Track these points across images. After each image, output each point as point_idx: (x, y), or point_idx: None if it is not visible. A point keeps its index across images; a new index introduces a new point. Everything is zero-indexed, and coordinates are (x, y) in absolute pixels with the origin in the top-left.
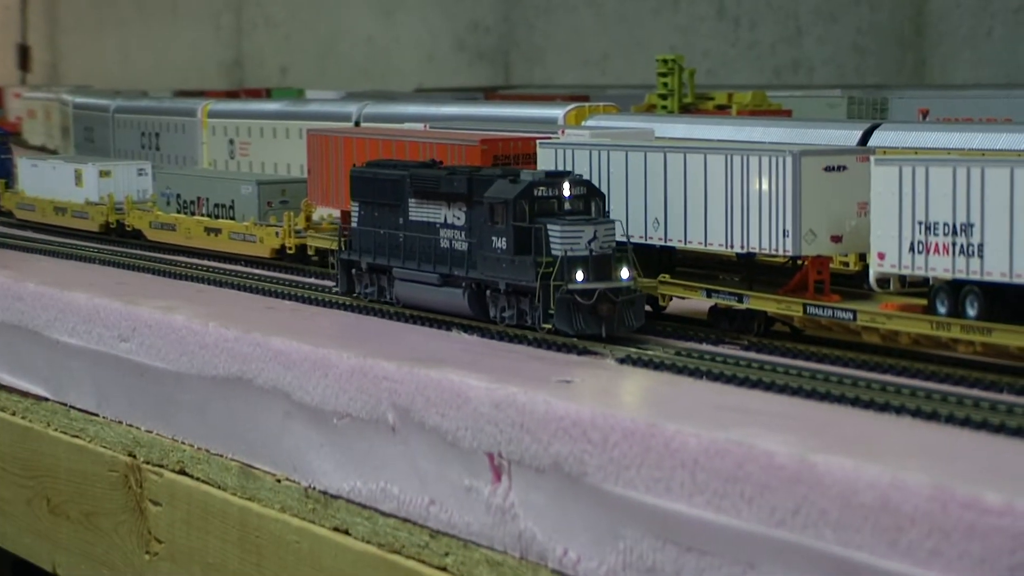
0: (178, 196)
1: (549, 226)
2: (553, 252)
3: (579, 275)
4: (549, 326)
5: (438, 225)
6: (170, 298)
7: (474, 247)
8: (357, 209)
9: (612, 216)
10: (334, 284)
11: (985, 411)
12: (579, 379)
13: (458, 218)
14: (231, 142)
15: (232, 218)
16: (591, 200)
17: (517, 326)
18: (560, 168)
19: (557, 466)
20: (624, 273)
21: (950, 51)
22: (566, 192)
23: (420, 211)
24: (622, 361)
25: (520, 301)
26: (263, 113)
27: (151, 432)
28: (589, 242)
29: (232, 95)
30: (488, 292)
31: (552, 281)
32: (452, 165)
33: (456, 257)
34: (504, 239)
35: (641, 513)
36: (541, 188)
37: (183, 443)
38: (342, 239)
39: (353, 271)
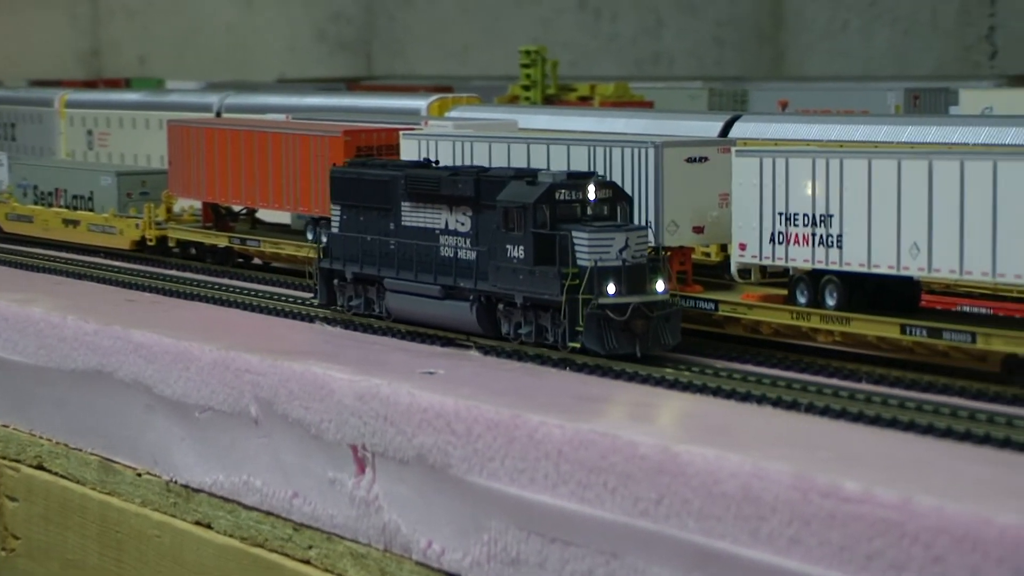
0: (35, 187)
1: (575, 233)
2: (580, 262)
3: (611, 288)
4: (576, 344)
5: (437, 231)
6: (27, 291)
7: (483, 256)
8: (339, 213)
9: None
10: (312, 295)
11: (844, 400)
12: (443, 370)
13: (462, 223)
14: (89, 133)
15: (91, 210)
16: (617, 204)
17: (536, 344)
18: (423, 159)
19: (421, 458)
20: (659, 285)
21: (808, 44)
22: (591, 195)
23: (415, 215)
24: (486, 353)
25: (540, 316)
26: (122, 103)
27: (7, 427)
28: (620, 251)
29: (90, 85)
30: (501, 306)
31: (580, 295)
32: (455, 165)
33: (462, 267)
34: (521, 247)
35: (505, 504)
36: (563, 191)
37: (41, 438)
38: (320, 246)
39: (336, 282)
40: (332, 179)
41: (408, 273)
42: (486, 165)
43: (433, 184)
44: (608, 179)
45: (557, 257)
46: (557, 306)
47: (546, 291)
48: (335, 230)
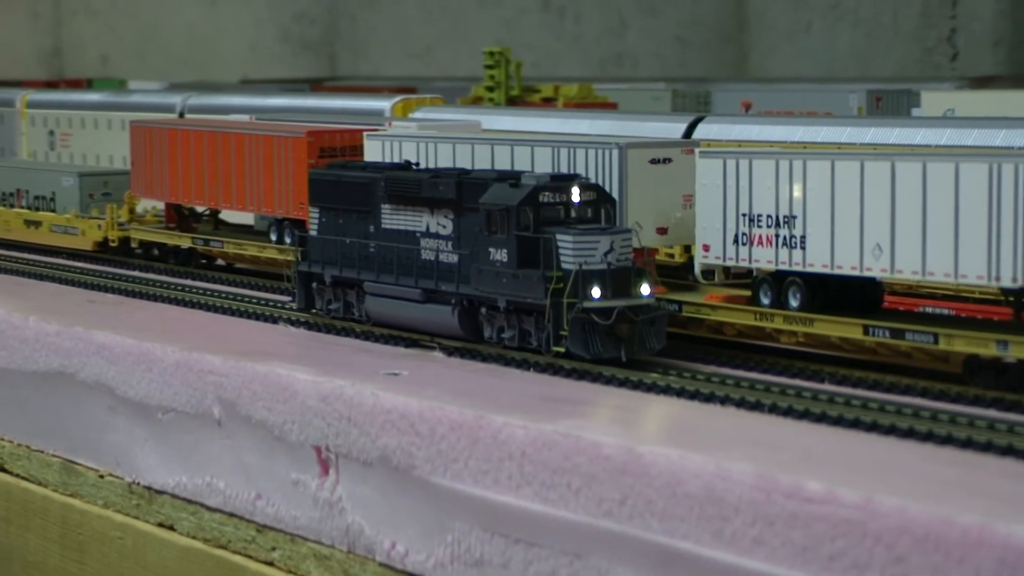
0: None
1: (559, 236)
2: (564, 265)
3: (595, 291)
4: (561, 349)
5: (418, 234)
6: None
7: (465, 259)
8: (317, 215)
9: None
10: (290, 298)
11: (807, 400)
12: (407, 372)
13: (444, 226)
14: (51, 133)
15: (53, 210)
16: (601, 206)
17: (519, 348)
18: (388, 160)
19: (385, 459)
20: (644, 289)
21: (771, 45)
22: (575, 197)
23: (396, 218)
24: (450, 354)
25: (523, 320)
26: (84, 104)
27: None
28: (605, 254)
29: (52, 85)
30: (483, 310)
31: (564, 298)
32: (436, 167)
33: (443, 270)
34: (504, 251)
35: (469, 505)
36: (546, 193)
37: (2, 439)
38: (299, 249)
39: (314, 285)
40: (310, 181)
41: (388, 276)
42: (452, 166)
43: (414, 186)
44: (592, 181)
45: (541, 260)
46: (541, 310)
47: (530, 295)
48: (313, 233)
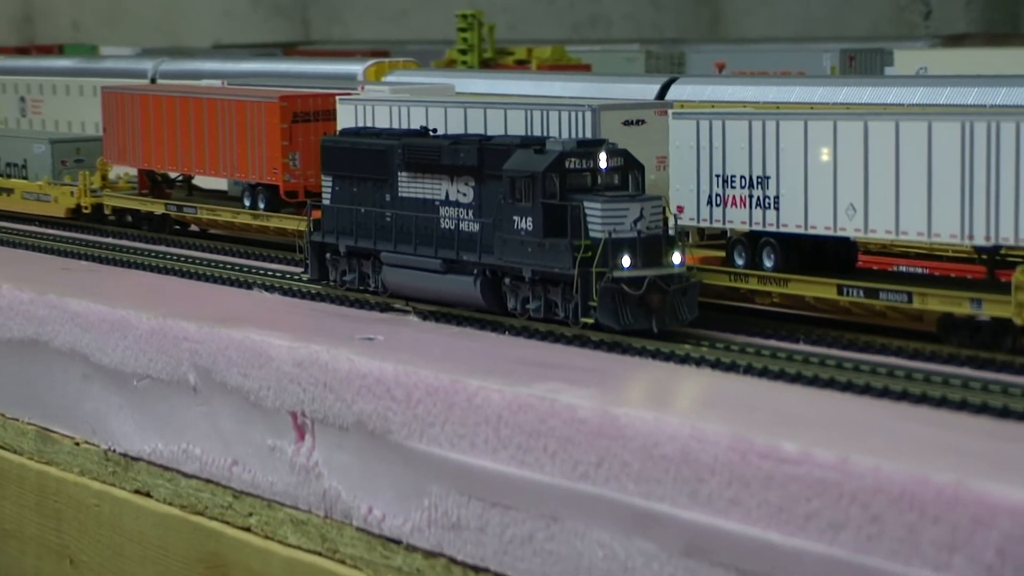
0: None
1: (587, 203)
2: (592, 234)
3: (625, 260)
4: (590, 320)
5: (437, 203)
6: None
7: (488, 228)
8: (330, 184)
9: None
10: (302, 270)
11: (782, 361)
12: (382, 336)
13: (464, 194)
14: (22, 100)
15: (25, 178)
16: (629, 172)
17: (545, 320)
18: (360, 124)
19: (361, 424)
20: (676, 258)
21: (744, 6)
22: (602, 164)
23: (413, 186)
24: (425, 318)
25: (550, 291)
26: (55, 70)
27: None
28: (635, 222)
29: (23, 51)
30: (507, 280)
31: (593, 268)
32: (455, 133)
33: (464, 240)
34: (529, 219)
35: (446, 469)
36: (573, 159)
37: None
38: (311, 219)
39: (328, 255)
40: (323, 148)
41: (406, 246)
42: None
43: (433, 153)
44: (619, 147)
45: (568, 229)
46: (569, 280)
47: (557, 264)
48: (326, 202)
